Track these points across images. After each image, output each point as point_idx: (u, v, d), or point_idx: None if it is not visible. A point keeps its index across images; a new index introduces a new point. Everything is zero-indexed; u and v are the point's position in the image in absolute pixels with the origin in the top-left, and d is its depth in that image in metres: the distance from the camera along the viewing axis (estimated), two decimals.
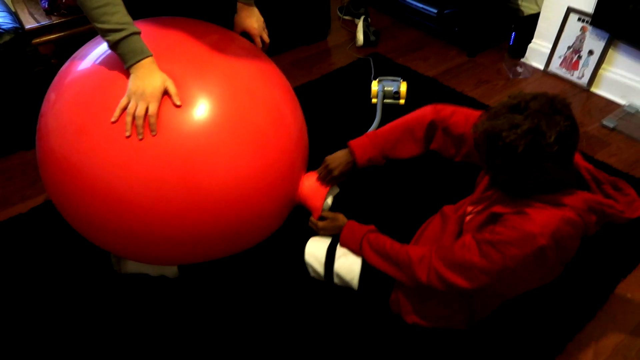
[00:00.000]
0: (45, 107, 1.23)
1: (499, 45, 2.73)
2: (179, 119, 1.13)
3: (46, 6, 2.10)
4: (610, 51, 2.25)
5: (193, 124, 1.13)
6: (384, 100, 2.27)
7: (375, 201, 1.76)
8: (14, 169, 2.02)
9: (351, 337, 1.39)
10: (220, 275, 1.53)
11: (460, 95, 2.35)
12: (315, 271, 1.42)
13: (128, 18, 1.11)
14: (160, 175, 1.11)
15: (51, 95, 1.22)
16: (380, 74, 2.46)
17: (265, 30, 1.49)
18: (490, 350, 1.35)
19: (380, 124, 2.14)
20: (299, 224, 1.47)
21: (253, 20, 1.46)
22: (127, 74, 1.13)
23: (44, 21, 2.09)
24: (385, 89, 2.25)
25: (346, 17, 3.03)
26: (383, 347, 1.36)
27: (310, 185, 1.40)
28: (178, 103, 1.13)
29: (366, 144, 1.41)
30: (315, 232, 1.43)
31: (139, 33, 1.12)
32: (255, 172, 1.20)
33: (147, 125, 1.11)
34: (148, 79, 1.11)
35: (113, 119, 1.12)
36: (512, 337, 1.38)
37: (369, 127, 2.11)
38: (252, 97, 1.22)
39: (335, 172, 1.39)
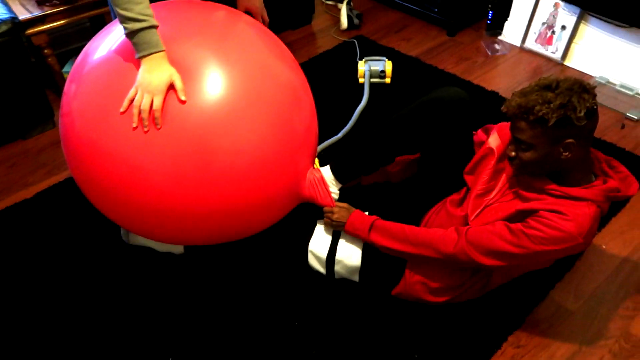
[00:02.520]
0: (66, 98, 1.29)
1: (477, 24, 2.84)
2: (196, 98, 1.19)
3: None
4: (581, 25, 2.38)
5: (210, 101, 1.19)
6: (371, 80, 2.36)
7: (375, 195, 1.71)
8: (15, 156, 2.07)
9: (355, 325, 1.43)
10: (224, 260, 1.60)
11: (442, 73, 2.46)
12: (316, 268, 1.49)
13: (150, 10, 1.16)
14: (177, 152, 1.18)
15: (71, 86, 1.29)
16: (365, 55, 2.55)
17: (264, 9, 1.57)
18: (478, 303, 1.47)
19: (368, 102, 2.25)
20: (304, 218, 1.51)
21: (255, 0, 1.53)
22: (139, 63, 1.19)
23: (37, 12, 2.13)
24: (372, 68, 2.35)
25: (329, 2, 3.10)
26: (386, 334, 1.42)
27: (319, 179, 1.43)
28: (183, 98, 1.17)
29: (366, 225, 1.39)
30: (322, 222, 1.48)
31: (156, 27, 1.17)
32: (279, 144, 1.26)
33: (153, 117, 1.16)
34: (156, 73, 1.16)
35: (122, 109, 1.18)
36: (500, 291, 1.49)
37: (358, 106, 2.21)
38: (268, 74, 1.28)
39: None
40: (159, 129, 1.18)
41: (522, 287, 1.50)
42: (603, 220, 1.70)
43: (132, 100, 1.18)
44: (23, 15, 2.10)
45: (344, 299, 1.49)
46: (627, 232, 1.68)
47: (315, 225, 1.49)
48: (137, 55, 1.18)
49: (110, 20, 2.31)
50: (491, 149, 1.37)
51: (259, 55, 1.30)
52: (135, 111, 1.17)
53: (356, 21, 2.84)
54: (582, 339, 1.39)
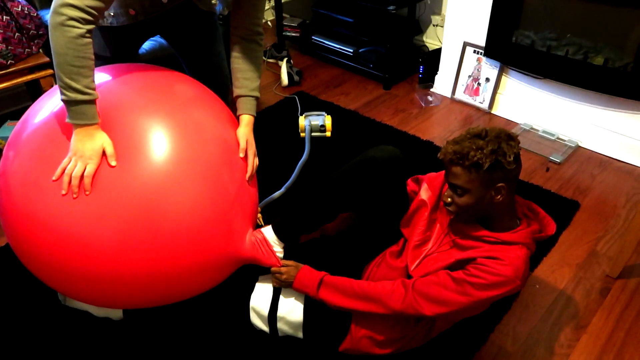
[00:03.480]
0: (3, 164, 1.29)
1: (410, 77, 3.01)
2: (134, 165, 1.20)
3: None
4: (503, 77, 2.58)
5: (143, 167, 1.21)
6: (312, 134, 2.44)
7: (314, 250, 1.67)
8: None
9: None
10: (164, 323, 1.55)
11: (380, 125, 2.57)
12: (260, 327, 1.48)
13: (94, 84, 1.18)
14: (109, 218, 1.18)
15: (9, 152, 1.29)
16: (306, 110, 2.64)
17: (253, 149, 1.45)
18: (423, 350, 1.49)
19: (310, 156, 2.30)
20: (245, 275, 1.50)
21: (241, 135, 1.44)
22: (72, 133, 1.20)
23: None
24: (312, 123, 2.43)
25: (270, 60, 3.21)
26: None
27: (261, 240, 1.44)
28: (113, 163, 1.18)
29: (315, 281, 1.40)
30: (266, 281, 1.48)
31: (96, 99, 1.19)
32: (210, 206, 1.27)
33: (83, 185, 1.16)
34: (88, 141, 1.18)
35: (54, 178, 1.18)
36: (444, 335, 1.52)
37: (299, 160, 2.26)
38: (204, 138, 1.30)
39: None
40: (87, 195, 1.17)
41: (464, 331, 1.54)
42: (535, 261, 1.79)
43: (64, 169, 1.17)
44: None
45: (291, 357, 1.47)
46: (557, 271, 1.76)
47: (256, 281, 1.48)
48: (68, 120, 1.18)
49: (46, 85, 2.30)
50: (424, 201, 1.43)
51: (194, 117, 1.33)
52: (65, 179, 1.17)
53: (296, 78, 2.95)
54: None
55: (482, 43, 2.55)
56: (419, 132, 2.53)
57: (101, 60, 1.62)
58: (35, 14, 2.22)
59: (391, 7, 2.63)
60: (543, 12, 2.26)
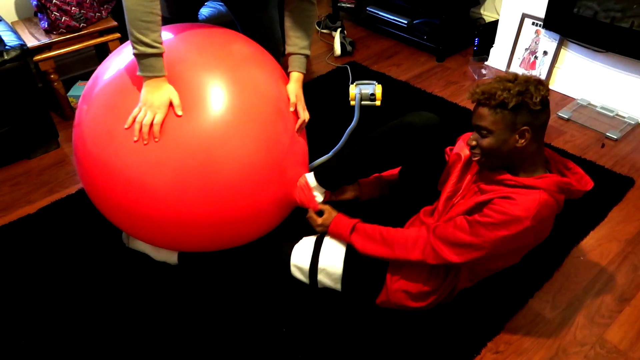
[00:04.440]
0: (78, 117, 1.43)
1: (464, 50, 2.97)
2: (192, 115, 1.30)
3: (46, 26, 2.28)
4: (562, 51, 2.50)
5: (204, 117, 1.31)
6: (362, 102, 2.47)
7: (354, 208, 1.75)
8: (19, 176, 2.16)
9: (338, 333, 1.48)
10: (214, 271, 1.65)
11: (430, 96, 2.57)
12: (299, 277, 1.55)
13: (161, 39, 1.29)
14: (175, 164, 1.29)
15: (83, 106, 1.42)
16: (357, 79, 2.67)
17: (302, 104, 1.54)
18: (460, 311, 1.52)
19: (359, 123, 2.34)
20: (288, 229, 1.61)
21: (291, 90, 1.52)
22: (142, 86, 1.31)
23: (44, 39, 2.26)
24: (362, 91, 2.46)
25: (324, 31, 3.25)
26: (369, 342, 1.48)
27: (304, 184, 1.54)
28: (180, 113, 1.29)
29: (348, 226, 1.47)
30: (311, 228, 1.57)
31: (163, 53, 1.29)
32: (266, 154, 1.36)
33: (152, 132, 1.28)
34: (157, 92, 1.29)
35: (126, 126, 1.30)
36: (480, 299, 1.55)
37: (348, 127, 2.31)
38: (260, 93, 1.39)
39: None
40: (157, 141, 1.28)
41: (502, 295, 1.56)
42: (581, 233, 1.77)
43: (135, 118, 1.28)
44: (32, 42, 2.23)
45: (329, 307, 1.55)
46: (604, 245, 1.74)
47: (298, 239, 1.57)
48: (139, 73, 1.29)
49: (114, 48, 2.44)
50: (458, 155, 1.48)
51: (250, 73, 1.40)
52: (136, 126, 1.28)
53: (349, 48, 2.97)
54: (558, 345, 1.44)
55: (542, 15, 2.47)
56: (470, 105, 2.51)
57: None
58: None
59: None
60: None
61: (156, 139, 1.29)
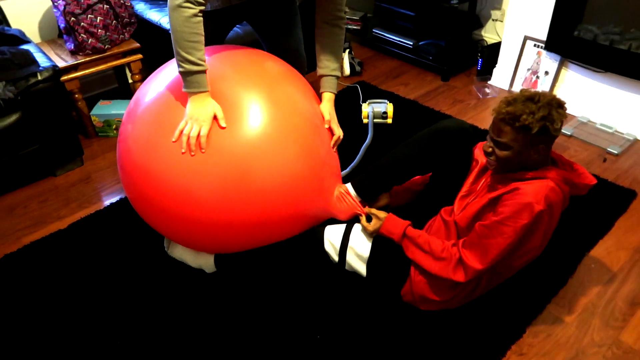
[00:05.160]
0: (124, 133, 1.53)
1: (468, 70, 3.11)
2: (235, 127, 1.40)
3: (72, 47, 2.37)
4: (562, 71, 2.65)
5: (247, 130, 1.40)
6: (374, 120, 2.58)
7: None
8: (47, 192, 2.23)
9: (361, 323, 1.59)
10: (251, 270, 1.75)
11: (439, 114, 2.69)
12: (330, 254, 1.65)
13: (205, 57, 1.38)
14: (220, 174, 1.38)
15: (127, 125, 1.52)
16: (367, 98, 2.78)
17: (336, 122, 1.68)
18: (482, 314, 1.61)
19: (373, 140, 2.45)
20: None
21: (325, 109, 1.66)
22: (186, 101, 1.40)
23: (71, 60, 2.35)
24: (375, 110, 2.56)
25: None
26: (392, 339, 1.58)
27: (344, 192, 1.63)
28: (223, 125, 1.39)
29: (400, 229, 1.54)
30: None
31: (206, 70, 1.39)
32: (303, 165, 1.46)
33: (199, 144, 1.37)
34: (202, 107, 1.38)
35: (173, 139, 1.39)
36: (501, 304, 1.65)
37: (363, 143, 2.41)
38: (295, 108, 1.49)
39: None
40: (203, 152, 1.37)
41: (521, 301, 1.65)
42: (590, 242, 1.88)
43: (182, 131, 1.37)
44: (60, 63, 2.32)
45: (354, 294, 1.66)
46: (613, 253, 1.85)
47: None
48: (185, 90, 1.39)
49: (135, 68, 2.53)
50: (476, 160, 1.62)
51: (286, 90, 1.51)
52: (184, 139, 1.37)
53: (358, 68, 3.10)
54: (578, 346, 1.53)
55: (543, 37, 2.62)
56: (477, 121, 2.63)
57: None
58: (129, 4, 2.47)
59: (454, 2, 2.74)
60: (607, 6, 2.32)
61: (203, 150, 1.38)
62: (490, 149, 1.42)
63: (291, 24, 1.91)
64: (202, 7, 1.37)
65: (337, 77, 1.71)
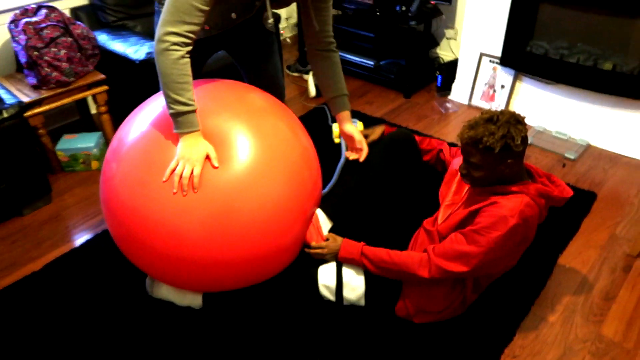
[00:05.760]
0: (108, 173, 1.48)
1: (428, 86, 3.24)
2: (225, 165, 1.40)
3: (35, 82, 2.30)
4: (517, 84, 2.81)
5: (235, 167, 1.40)
6: None
7: (362, 223, 1.96)
8: (16, 233, 2.13)
9: (361, 345, 1.62)
10: (240, 308, 1.71)
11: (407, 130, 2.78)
12: (327, 298, 1.67)
13: (194, 97, 1.38)
14: (209, 212, 1.36)
15: (112, 164, 1.47)
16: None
17: (363, 140, 1.81)
18: (472, 323, 1.67)
19: (347, 159, 2.49)
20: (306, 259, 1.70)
21: (352, 130, 1.80)
22: (175, 140, 1.39)
23: (35, 95, 2.28)
24: None
25: (294, 74, 3.43)
26: (394, 348, 1.63)
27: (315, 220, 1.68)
28: (216, 165, 1.37)
29: (357, 249, 1.61)
30: (314, 258, 1.68)
31: (196, 110, 1.39)
32: (292, 203, 1.47)
33: (191, 184, 1.35)
34: (195, 147, 1.36)
35: (164, 179, 1.36)
36: (488, 311, 1.71)
37: (338, 163, 2.45)
38: (284, 141, 1.50)
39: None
40: (196, 192, 1.35)
41: (506, 306, 1.73)
42: (561, 245, 1.99)
43: (173, 171, 1.36)
44: (24, 98, 2.24)
45: (352, 323, 1.67)
46: (583, 253, 1.97)
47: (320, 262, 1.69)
48: (176, 131, 1.37)
49: (101, 100, 2.48)
50: (455, 170, 1.71)
51: (273, 122, 1.52)
52: (176, 179, 1.35)
53: None
54: (565, 344, 1.62)
55: (498, 53, 2.78)
56: (443, 135, 2.74)
57: None
58: (92, 36, 2.43)
59: (413, 23, 2.86)
60: (555, 23, 2.50)
61: (196, 190, 1.36)
62: (465, 171, 1.51)
63: (269, 51, 1.94)
64: (189, 48, 1.37)
65: (348, 95, 1.79)
